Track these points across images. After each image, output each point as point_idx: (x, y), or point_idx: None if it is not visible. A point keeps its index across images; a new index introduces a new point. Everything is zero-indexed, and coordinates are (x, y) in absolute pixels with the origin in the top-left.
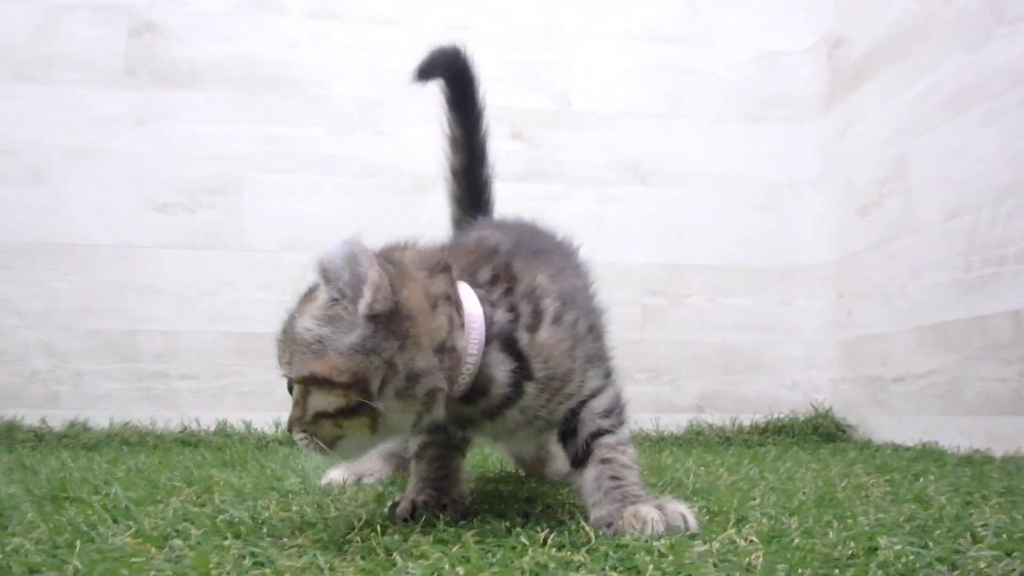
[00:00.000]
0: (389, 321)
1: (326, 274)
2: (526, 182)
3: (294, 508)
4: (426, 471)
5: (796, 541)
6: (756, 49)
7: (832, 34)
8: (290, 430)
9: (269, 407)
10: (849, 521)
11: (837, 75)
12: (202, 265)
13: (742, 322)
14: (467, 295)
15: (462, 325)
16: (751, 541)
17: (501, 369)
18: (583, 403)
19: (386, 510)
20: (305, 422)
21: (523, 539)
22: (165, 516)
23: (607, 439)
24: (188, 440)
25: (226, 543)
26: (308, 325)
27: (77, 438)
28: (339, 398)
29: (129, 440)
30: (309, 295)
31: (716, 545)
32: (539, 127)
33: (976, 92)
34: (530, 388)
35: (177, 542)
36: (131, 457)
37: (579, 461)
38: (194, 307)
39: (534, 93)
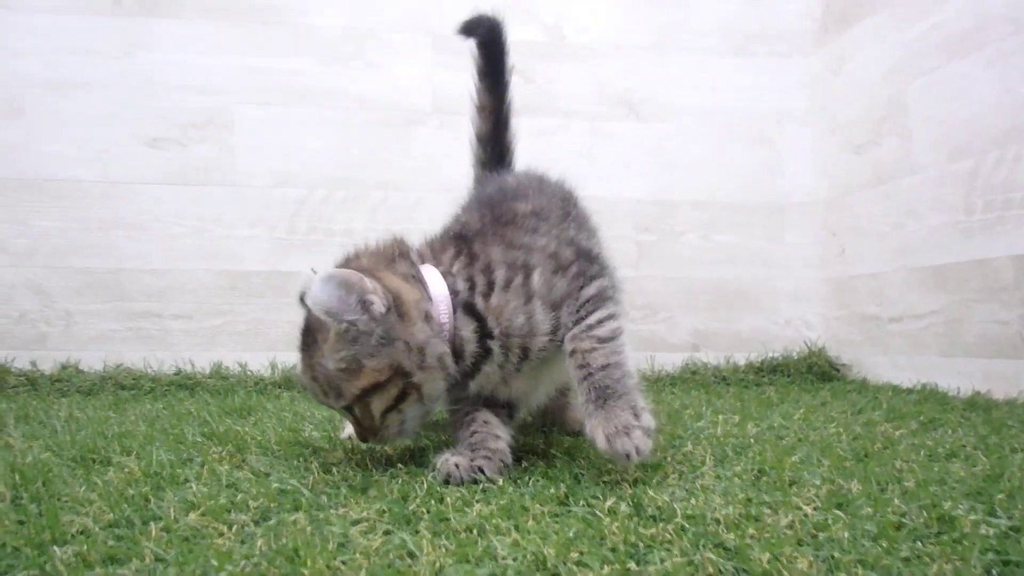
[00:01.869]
0: (387, 312)
1: (330, 314)
2: (519, 116)
3: (335, 471)
4: (460, 431)
5: (865, 510)
6: None
7: None
8: (366, 440)
9: (264, 347)
10: (906, 485)
11: (829, 11)
12: (191, 201)
13: (734, 257)
14: (430, 273)
15: (431, 298)
16: (817, 508)
17: (468, 330)
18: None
19: (429, 472)
20: (377, 427)
21: (595, 510)
22: (210, 483)
23: (575, 329)
24: (184, 383)
25: (291, 518)
26: (336, 359)
27: (71, 382)
28: (391, 389)
29: (124, 383)
30: (312, 341)
31: (788, 517)
32: (532, 60)
33: (978, 35)
34: (494, 345)
35: (241, 517)
36: (134, 404)
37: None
38: (184, 244)
39: (527, 26)
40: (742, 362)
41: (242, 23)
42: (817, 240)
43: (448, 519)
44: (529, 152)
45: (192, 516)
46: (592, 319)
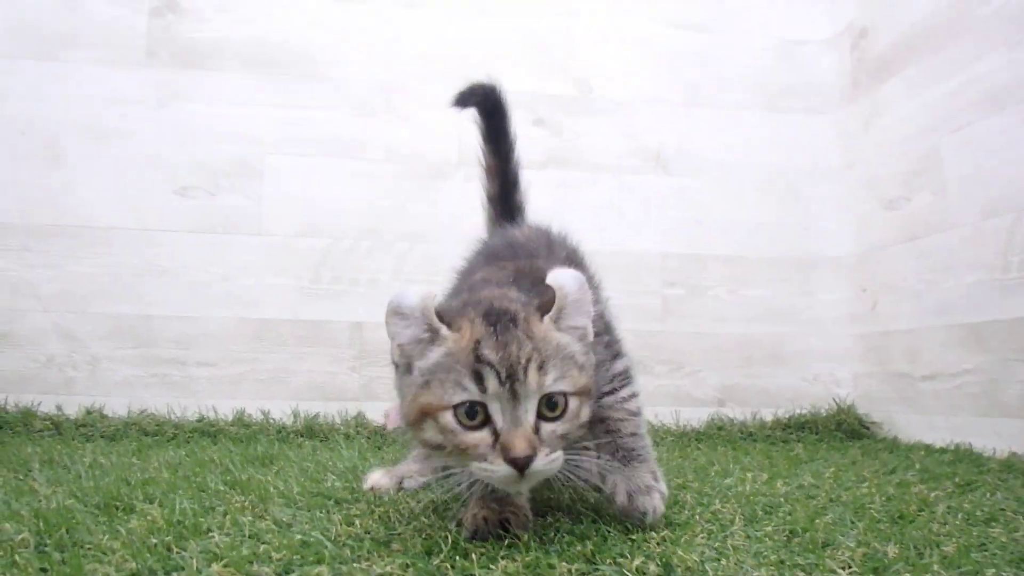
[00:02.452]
0: None
1: (579, 305)
2: (547, 169)
3: (357, 523)
4: (480, 486)
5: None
6: (777, 37)
7: (856, 24)
8: (533, 454)
9: (287, 395)
10: (945, 550)
11: (861, 66)
12: (219, 249)
13: (762, 314)
14: None
15: None
16: (853, 572)
17: None
18: None
19: (453, 526)
20: (570, 436)
21: (623, 569)
22: (232, 533)
23: (606, 400)
24: (207, 430)
25: (315, 571)
26: (577, 348)
27: (95, 427)
28: (584, 409)
29: (147, 429)
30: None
31: None
32: (560, 113)
33: (1016, 90)
34: None
35: (264, 569)
36: (157, 451)
37: None
38: (211, 292)
39: (556, 79)
40: (769, 418)
41: (276, 75)
42: (848, 296)
43: (474, 575)
44: (556, 205)
45: (215, 567)
46: (624, 393)
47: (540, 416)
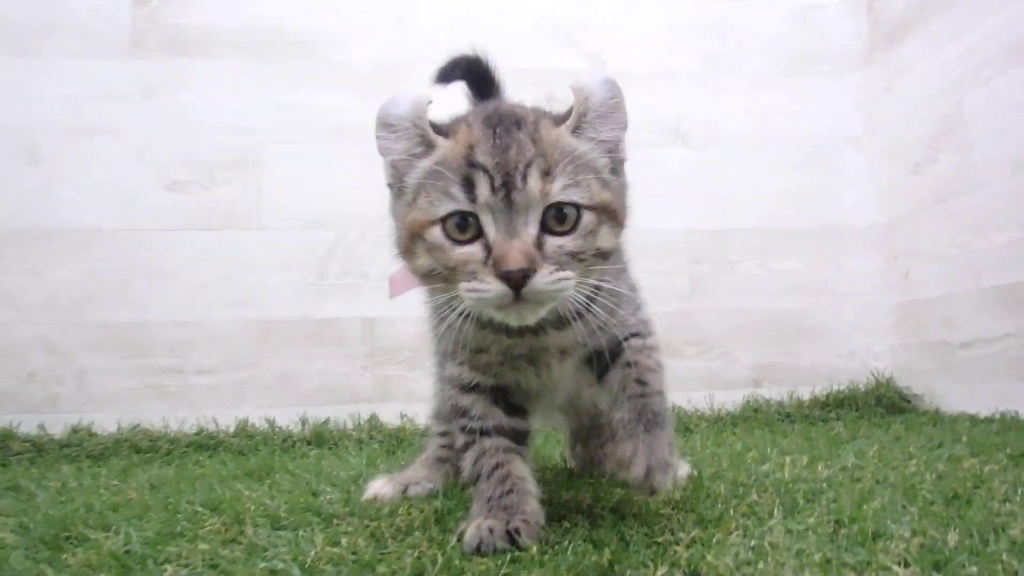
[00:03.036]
0: None
1: (608, 114)
2: None
3: (344, 541)
4: (488, 489)
5: (970, 569)
6: (792, 3)
7: None
8: (532, 269)
9: (294, 400)
10: (1012, 534)
11: (878, 27)
12: (217, 247)
13: (793, 287)
14: None
15: None
16: (911, 569)
17: None
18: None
19: (453, 540)
20: (581, 259)
21: None
22: (190, 562)
23: (634, 341)
24: (206, 443)
25: None
26: (600, 161)
27: (81, 446)
28: (603, 226)
29: (140, 446)
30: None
31: None
32: None
33: None
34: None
35: None
36: (143, 469)
37: (605, 367)
38: (209, 293)
39: (568, 53)
40: (806, 397)
41: (273, 60)
42: (879, 265)
43: None
44: None
45: None
46: (651, 341)
47: (546, 229)
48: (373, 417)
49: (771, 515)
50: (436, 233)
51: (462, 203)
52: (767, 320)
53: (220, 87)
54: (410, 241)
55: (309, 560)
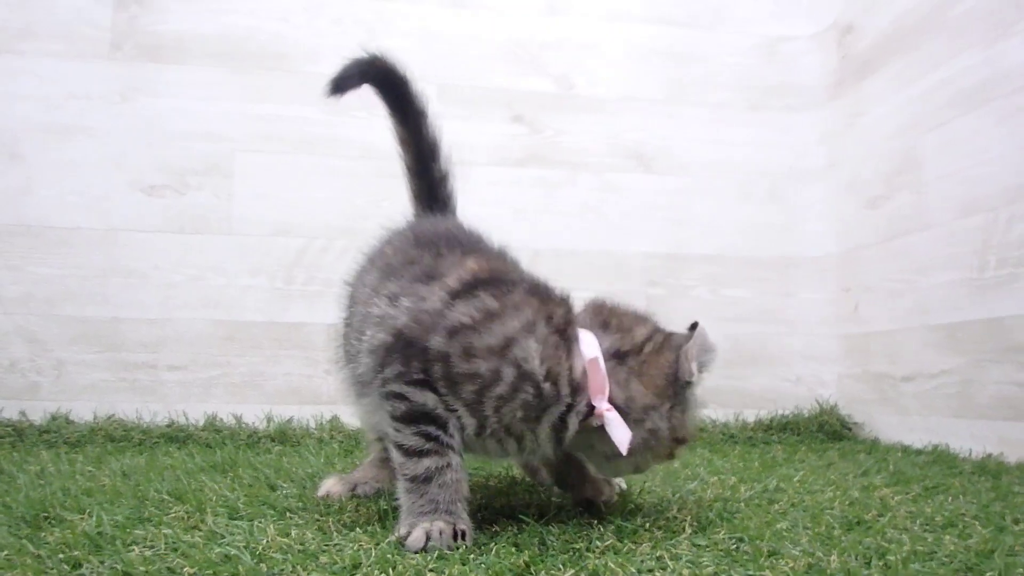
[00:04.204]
0: None
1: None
2: (526, 167)
3: (293, 532)
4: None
5: None
6: (762, 35)
7: (841, 20)
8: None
9: (260, 399)
10: (890, 559)
11: (847, 63)
12: (189, 250)
13: (744, 314)
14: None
15: None
16: None
17: None
18: None
19: (392, 537)
20: None
21: None
22: (155, 545)
23: None
24: (176, 436)
25: None
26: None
27: (59, 433)
28: None
29: (114, 435)
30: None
31: None
32: (540, 111)
33: (991, 89)
34: None
35: None
36: (116, 457)
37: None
38: (181, 294)
39: (535, 76)
40: (751, 419)
41: (248, 70)
42: (831, 296)
43: None
44: (536, 204)
45: None
46: None
47: None
48: (334, 418)
49: (682, 530)
50: None
51: None
52: (718, 345)
53: (194, 94)
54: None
55: (260, 548)
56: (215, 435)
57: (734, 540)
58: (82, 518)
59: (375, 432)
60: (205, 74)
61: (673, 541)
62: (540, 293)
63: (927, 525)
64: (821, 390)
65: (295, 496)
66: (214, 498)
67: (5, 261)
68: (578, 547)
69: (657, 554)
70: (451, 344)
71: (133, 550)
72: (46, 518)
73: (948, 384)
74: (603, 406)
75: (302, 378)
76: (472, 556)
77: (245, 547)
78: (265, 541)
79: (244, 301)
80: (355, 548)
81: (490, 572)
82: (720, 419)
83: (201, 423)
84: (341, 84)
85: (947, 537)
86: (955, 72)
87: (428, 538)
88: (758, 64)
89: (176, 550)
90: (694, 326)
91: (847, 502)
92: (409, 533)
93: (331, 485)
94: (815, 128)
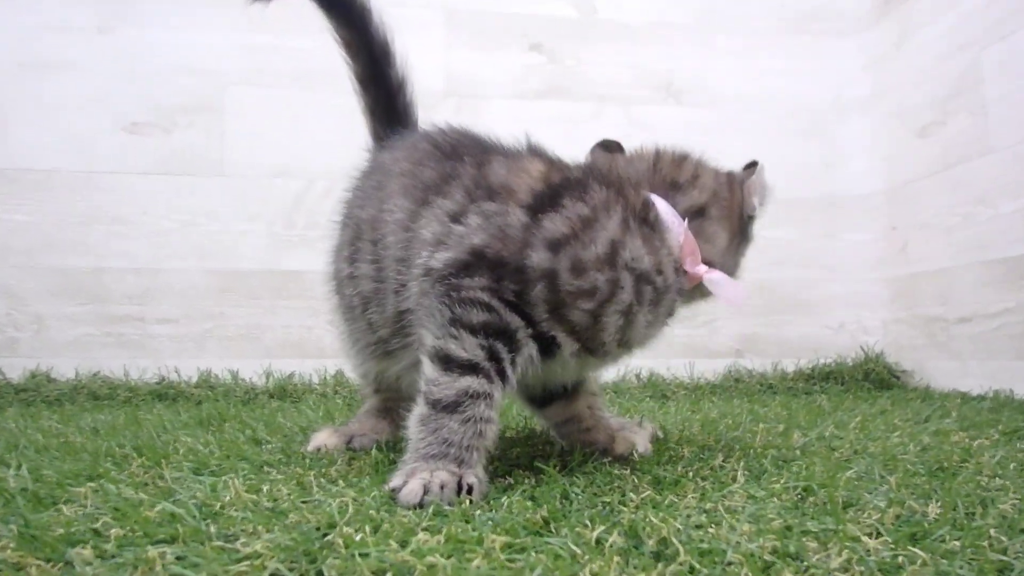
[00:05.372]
0: None
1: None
2: (545, 99)
3: (264, 488)
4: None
5: (951, 544)
6: None
7: None
8: None
9: (258, 353)
10: (1002, 508)
11: None
12: (179, 193)
13: (783, 258)
14: None
15: None
16: (884, 541)
17: None
18: None
19: (386, 488)
20: None
21: (577, 543)
22: (90, 503)
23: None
24: (165, 393)
25: (150, 554)
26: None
27: (38, 391)
28: None
29: (98, 393)
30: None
31: (843, 555)
32: (560, 38)
33: None
34: None
35: (85, 552)
36: (92, 414)
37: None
38: (171, 241)
39: (554, 0)
40: (791, 369)
41: None
42: (876, 236)
43: (367, 555)
44: (556, 138)
45: (9, 553)
46: None
47: None
48: (339, 372)
49: (734, 480)
50: None
51: None
52: (755, 290)
53: (181, 24)
54: None
55: (220, 505)
56: (208, 392)
57: (798, 490)
58: (19, 473)
59: (376, 383)
60: (192, 2)
61: (724, 492)
62: (610, 181)
63: (1019, 467)
64: (865, 337)
65: (280, 450)
66: (182, 451)
67: None
68: (608, 500)
69: (706, 506)
70: (557, 260)
71: (60, 510)
72: None
73: (1010, 324)
74: (700, 270)
75: (303, 330)
76: (479, 512)
77: (200, 505)
78: (228, 498)
79: (240, 248)
80: (337, 504)
81: (499, 530)
82: (758, 369)
83: (194, 380)
84: None
85: None
86: None
87: (426, 491)
88: None
89: (114, 508)
90: (753, 164)
91: (919, 448)
92: (404, 484)
93: (324, 438)
94: (858, 54)
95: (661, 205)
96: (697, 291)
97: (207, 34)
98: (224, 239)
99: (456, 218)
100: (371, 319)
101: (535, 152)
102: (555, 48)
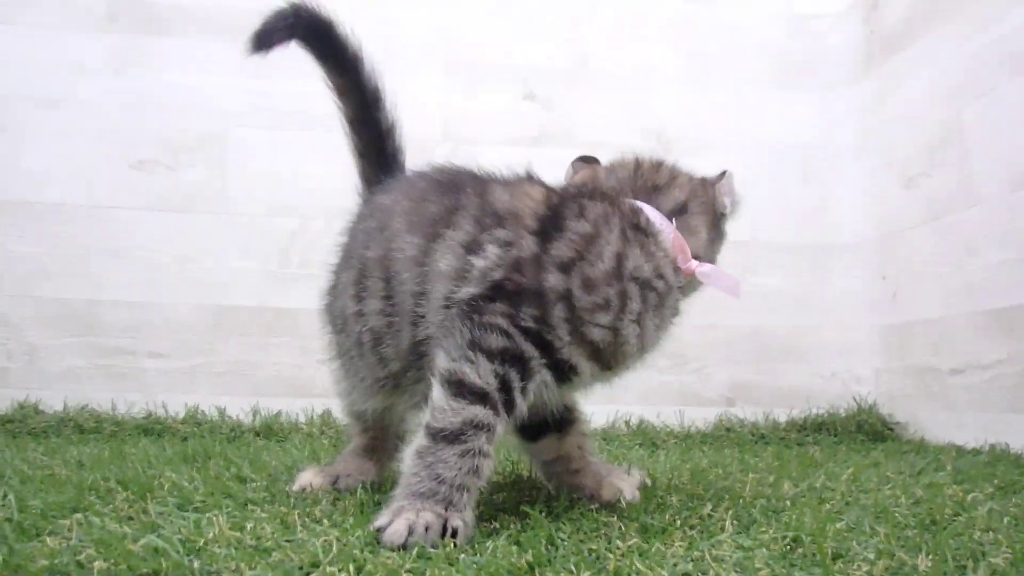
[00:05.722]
0: None
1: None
2: (538, 146)
3: (248, 526)
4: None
5: None
6: (787, 10)
7: None
8: None
9: (246, 391)
10: (994, 561)
11: (875, 38)
12: (177, 229)
13: (775, 304)
14: None
15: None
16: None
17: None
18: None
19: (371, 527)
20: None
21: None
22: (74, 535)
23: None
24: (152, 428)
25: None
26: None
27: (24, 422)
28: None
29: (84, 426)
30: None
31: None
32: (553, 87)
33: None
34: None
35: None
36: (78, 447)
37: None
38: (167, 275)
39: (548, 49)
40: (783, 419)
41: (244, 42)
42: (867, 284)
43: None
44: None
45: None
46: None
47: None
48: (326, 412)
49: (722, 529)
50: None
51: None
52: (745, 337)
53: (190, 67)
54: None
55: (204, 542)
56: (195, 428)
57: (787, 540)
58: (1, 503)
59: (368, 421)
60: (201, 46)
61: (712, 541)
62: (603, 194)
63: (1018, 525)
64: (857, 387)
65: (264, 488)
66: (167, 487)
67: None
68: (594, 547)
69: (694, 555)
70: (570, 279)
71: (44, 541)
72: None
73: (1004, 376)
74: (692, 265)
75: (293, 368)
76: (463, 555)
77: (184, 540)
78: (212, 534)
79: (233, 284)
80: (321, 543)
81: (484, 574)
82: (749, 418)
83: (181, 415)
84: (266, 39)
85: None
86: (1002, 33)
87: (410, 532)
88: (784, 40)
89: (99, 541)
90: (723, 173)
91: (912, 500)
92: (390, 523)
93: (310, 477)
94: (846, 105)
95: (648, 210)
96: (690, 285)
97: (214, 76)
98: (218, 274)
99: (470, 248)
100: (383, 353)
101: (531, 178)
102: (549, 96)
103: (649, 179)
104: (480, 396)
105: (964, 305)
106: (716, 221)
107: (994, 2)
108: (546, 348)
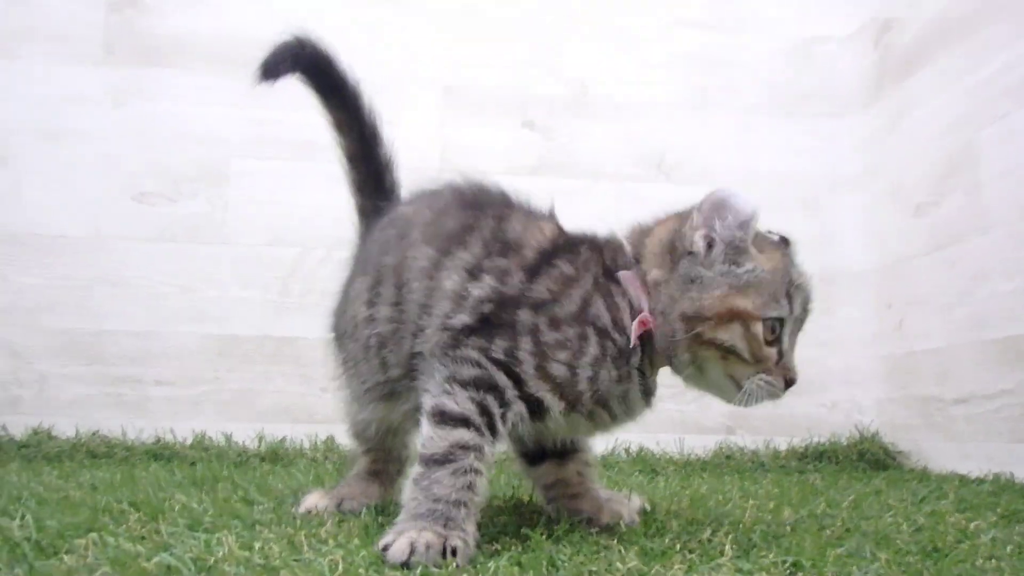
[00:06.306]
0: None
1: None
2: (538, 175)
3: (257, 546)
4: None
5: None
6: (793, 35)
7: (878, 17)
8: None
9: (251, 417)
10: None
11: (886, 63)
12: (180, 259)
13: None
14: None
15: None
16: None
17: None
18: None
19: (377, 547)
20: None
21: None
22: (90, 554)
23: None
24: (160, 453)
25: None
26: None
27: (39, 447)
28: None
29: (96, 451)
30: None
31: None
32: (553, 115)
33: None
34: None
35: None
36: (91, 471)
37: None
38: (171, 306)
39: (548, 78)
40: (783, 447)
41: (244, 74)
42: (871, 314)
43: None
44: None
45: None
46: None
47: None
48: (329, 438)
49: (722, 553)
50: (759, 328)
51: (784, 312)
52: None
53: (189, 98)
54: (727, 317)
55: (213, 560)
56: (202, 453)
57: (787, 565)
58: (19, 525)
59: (371, 436)
60: (200, 78)
61: (711, 564)
62: (598, 245)
63: (1021, 554)
64: (859, 416)
65: (271, 510)
66: (177, 509)
67: None
68: (595, 569)
69: None
70: (538, 317)
71: (62, 559)
72: None
73: (1009, 406)
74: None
75: (296, 395)
76: (465, 575)
77: (195, 559)
78: (221, 553)
79: (236, 314)
80: (327, 562)
81: None
82: (749, 446)
83: (189, 441)
84: (272, 69)
85: None
86: (1014, 59)
87: (412, 551)
88: (789, 67)
89: (113, 560)
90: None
91: (913, 528)
92: (393, 542)
93: (315, 500)
94: (852, 133)
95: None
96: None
97: (214, 108)
98: (221, 304)
99: (472, 272)
100: (385, 357)
101: (551, 217)
102: (548, 125)
103: (640, 237)
104: (462, 421)
105: (970, 334)
106: (682, 262)
107: (1008, 26)
108: (516, 380)
